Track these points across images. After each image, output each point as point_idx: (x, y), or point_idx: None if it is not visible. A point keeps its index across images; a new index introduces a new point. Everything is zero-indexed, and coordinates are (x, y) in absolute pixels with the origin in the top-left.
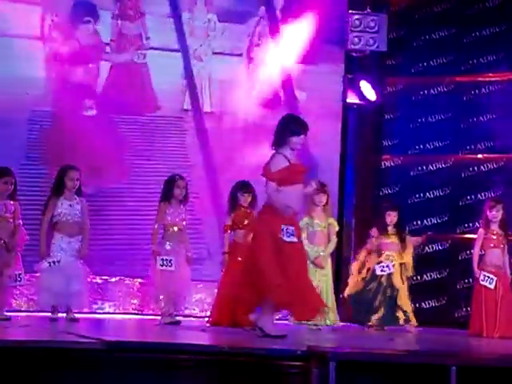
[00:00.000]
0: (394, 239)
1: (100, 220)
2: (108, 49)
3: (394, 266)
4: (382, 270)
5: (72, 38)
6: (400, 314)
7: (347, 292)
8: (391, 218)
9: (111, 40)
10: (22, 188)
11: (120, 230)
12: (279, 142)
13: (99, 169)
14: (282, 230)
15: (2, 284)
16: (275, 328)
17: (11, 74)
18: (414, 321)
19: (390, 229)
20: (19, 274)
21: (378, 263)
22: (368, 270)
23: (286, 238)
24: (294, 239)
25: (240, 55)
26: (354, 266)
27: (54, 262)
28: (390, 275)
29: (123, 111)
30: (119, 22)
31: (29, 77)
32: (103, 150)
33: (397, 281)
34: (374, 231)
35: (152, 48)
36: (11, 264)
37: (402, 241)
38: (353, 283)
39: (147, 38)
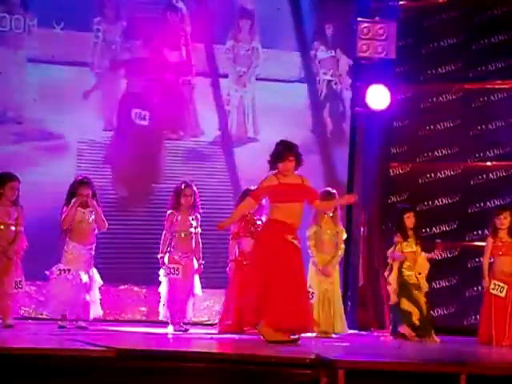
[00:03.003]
0: (412, 246)
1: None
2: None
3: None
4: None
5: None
6: None
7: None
8: (410, 219)
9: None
10: None
11: (129, 237)
12: (271, 166)
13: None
14: None
15: (3, 291)
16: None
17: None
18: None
19: (411, 233)
20: (20, 281)
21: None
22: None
23: None
24: None
25: (284, 81)
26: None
27: (64, 271)
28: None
29: (166, 135)
30: (164, 49)
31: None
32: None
33: None
34: (398, 237)
35: (197, 74)
36: (10, 271)
37: (418, 244)
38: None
39: (192, 66)
